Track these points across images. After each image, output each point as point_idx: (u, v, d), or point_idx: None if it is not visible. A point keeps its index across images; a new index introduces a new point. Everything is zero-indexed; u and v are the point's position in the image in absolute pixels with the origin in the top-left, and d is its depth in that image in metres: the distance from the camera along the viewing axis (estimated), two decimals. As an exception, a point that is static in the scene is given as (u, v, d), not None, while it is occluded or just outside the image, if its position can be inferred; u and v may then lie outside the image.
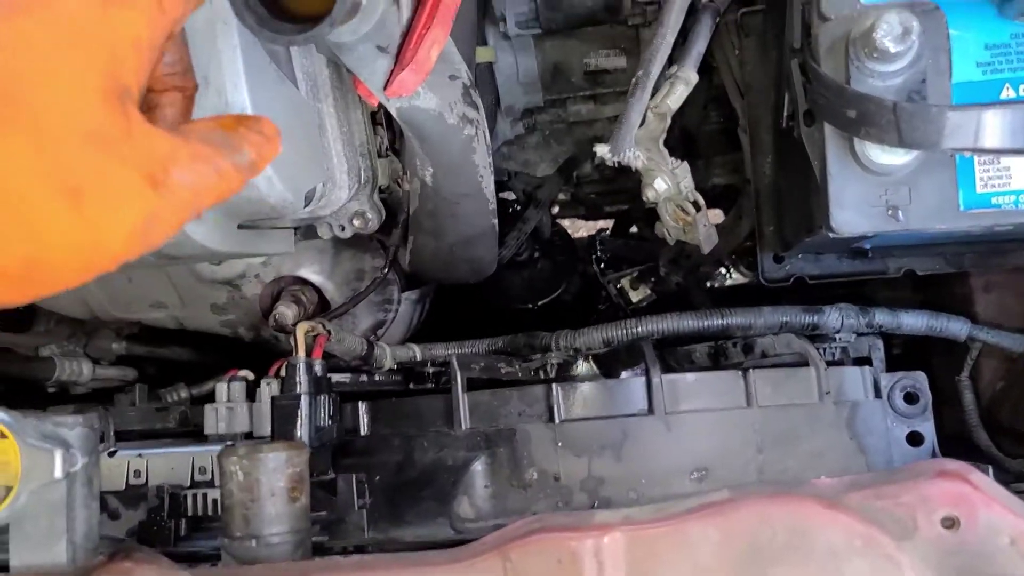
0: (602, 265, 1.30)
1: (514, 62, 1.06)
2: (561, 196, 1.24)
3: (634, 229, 1.42)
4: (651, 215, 1.30)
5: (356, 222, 0.83)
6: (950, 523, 0.49)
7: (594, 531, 0.51)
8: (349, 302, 0.89)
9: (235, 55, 0.61)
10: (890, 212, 0.60)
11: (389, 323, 0.99)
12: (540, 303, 1.24)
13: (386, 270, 0.90)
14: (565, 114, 1.16)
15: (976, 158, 0.58)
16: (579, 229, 1.50)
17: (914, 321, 0.82)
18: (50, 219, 0.35)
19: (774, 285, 0.92)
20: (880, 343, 0.86)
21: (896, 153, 0.58)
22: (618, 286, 1.25)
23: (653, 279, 1.24)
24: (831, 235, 0.62)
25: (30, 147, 0.35)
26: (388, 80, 0.66)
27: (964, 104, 0.55)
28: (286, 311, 0.94)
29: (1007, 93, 0.59)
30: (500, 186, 1.16)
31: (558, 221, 1.36)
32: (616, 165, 0.70)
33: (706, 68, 1.02)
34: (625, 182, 1.29)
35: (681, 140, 1.08)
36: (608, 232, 1.43)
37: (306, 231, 0.86)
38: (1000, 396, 0.92)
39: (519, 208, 1.20)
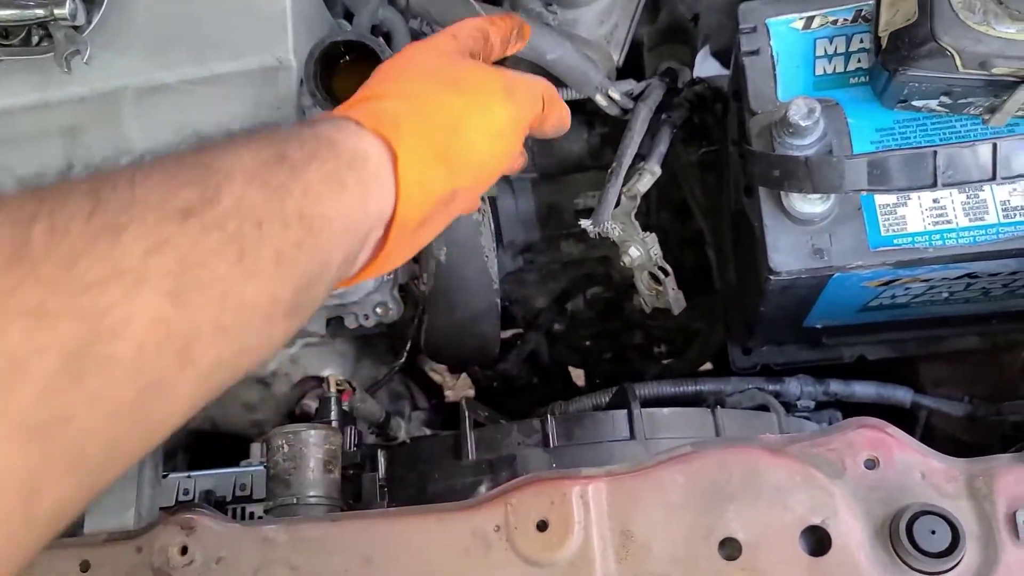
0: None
1: (514, 202, 1.25)
2: (557, 326, 1.38)
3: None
4: (639, 349, 1.45)
5: (379, 310, 0.97)
6: (872, 464, 0.59)
7: (581, 480, 0.61)
8: (372, 385, 1.02)
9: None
10: (815, 253, 0.74)
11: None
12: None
13: (402, 359, 1.03)
14: (559, 254, 1.34)
15: (878, 208, 0.74)
16: (577, 378, 1.63)
17: (864, 389, 0.94)
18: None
19: (744, 375, 1.04)
20: (839, 415, 0.97)
21: (814, 203, 0.73)
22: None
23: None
24: (772, 278, 0.76)
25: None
26: (414, 169, 0.83)
27: (856, 155, 0.72)
28: (311, 403, 1.06)
29: (894, 162, 0.75)
30: (503, 312, 1.31)
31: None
32: (597, 236, 0.85)
33: (680, 212, 1.21)
34: (615, 323, 1.45)
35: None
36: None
37: (335, 325, 1.00)
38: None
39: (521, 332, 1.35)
